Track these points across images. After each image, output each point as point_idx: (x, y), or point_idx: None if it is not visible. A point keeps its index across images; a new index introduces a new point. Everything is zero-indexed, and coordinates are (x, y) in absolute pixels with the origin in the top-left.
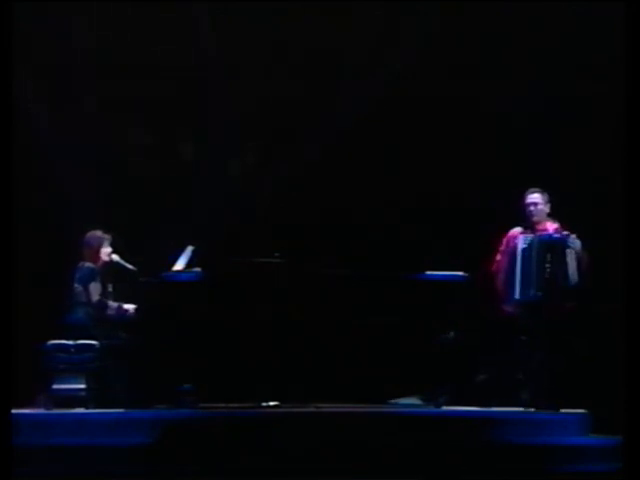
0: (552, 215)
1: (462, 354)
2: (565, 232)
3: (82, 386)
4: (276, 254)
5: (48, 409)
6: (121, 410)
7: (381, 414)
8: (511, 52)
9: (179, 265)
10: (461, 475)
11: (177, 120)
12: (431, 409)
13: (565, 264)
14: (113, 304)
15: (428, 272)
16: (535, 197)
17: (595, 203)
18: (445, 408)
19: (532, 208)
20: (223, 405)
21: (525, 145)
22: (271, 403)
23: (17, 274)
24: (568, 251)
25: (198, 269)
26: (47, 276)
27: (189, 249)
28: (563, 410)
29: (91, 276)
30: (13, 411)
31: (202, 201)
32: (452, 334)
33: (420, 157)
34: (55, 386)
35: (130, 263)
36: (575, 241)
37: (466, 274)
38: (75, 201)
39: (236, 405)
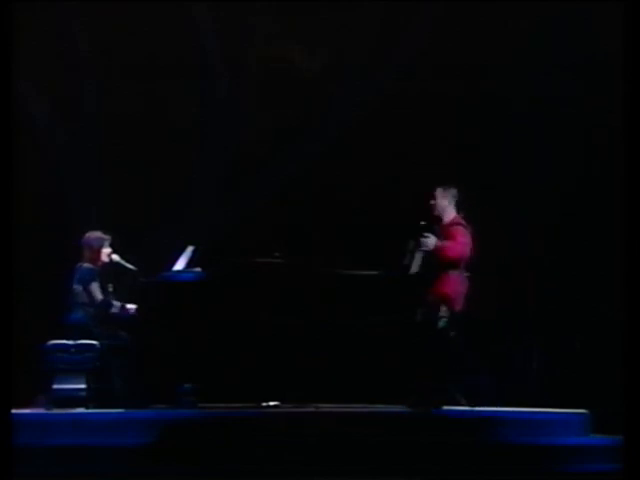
0: (458, 206)
1: (462, 354)
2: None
3: (82, 386)
4: (276, 254)
5: (48, 409)
6: (121, 410)
7: (381, 414)
8: (512, 52)
9: (179, 265)
10: (461, 475)
11: (177, 120)
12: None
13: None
14: (117, 303)
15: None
16: (436, 192)
17: (594, 203)
18: (445, 408)
19: (431, 202)
20: (223, 405)
21: (525, 145)
22: (271, 403)
23: (17, 274)
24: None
25: (198, 269)
26: (47, 276)
27: (189, 249)
28: (564, 410)
29: (90, 277)
30: (13, 411)
31: (202, 201)
32: (453, 333)
33: (420, 157)
34: (55, 386)
35: (130, 263)
36: (427, 240)
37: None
38: (75, 201)
39: (236, 405)
